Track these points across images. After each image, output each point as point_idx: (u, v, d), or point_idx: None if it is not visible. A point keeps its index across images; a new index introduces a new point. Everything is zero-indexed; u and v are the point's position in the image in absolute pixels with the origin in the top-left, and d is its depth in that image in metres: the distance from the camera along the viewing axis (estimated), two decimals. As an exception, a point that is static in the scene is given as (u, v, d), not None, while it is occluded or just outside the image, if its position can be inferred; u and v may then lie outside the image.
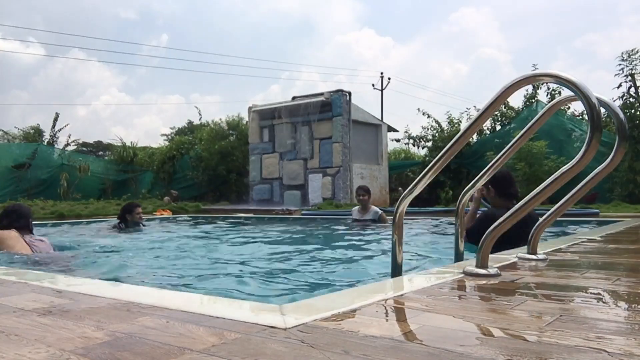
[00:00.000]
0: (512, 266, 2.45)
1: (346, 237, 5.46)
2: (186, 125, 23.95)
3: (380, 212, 6.84)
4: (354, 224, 6.72)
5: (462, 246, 2.91)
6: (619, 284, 2.10)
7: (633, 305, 1.65)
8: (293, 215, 10.90)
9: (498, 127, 14.64)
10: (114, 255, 4.21)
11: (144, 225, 6.74)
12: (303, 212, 11.36)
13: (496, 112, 13.69)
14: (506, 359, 1.09)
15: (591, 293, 1.89)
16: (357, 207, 6.81)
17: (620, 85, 11.47)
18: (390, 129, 15.96)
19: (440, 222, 7.58)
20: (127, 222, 6.54)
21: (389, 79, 30.28)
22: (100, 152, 27.55)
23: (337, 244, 4.93)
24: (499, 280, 2.05)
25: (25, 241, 3.95)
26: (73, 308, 1.61)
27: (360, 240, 5.08)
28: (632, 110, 11.37)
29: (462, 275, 2.13)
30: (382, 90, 29.93)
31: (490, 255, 2.17)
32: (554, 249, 3.10)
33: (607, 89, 11.85)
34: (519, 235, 2.92)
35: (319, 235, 6.28)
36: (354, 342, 1.21)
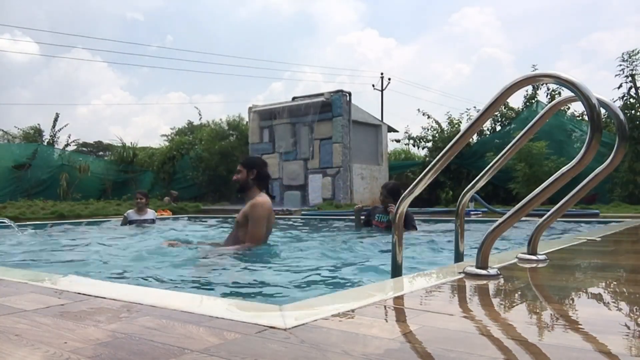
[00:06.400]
0: (512, 267, 2.45)
1: (346, 238, 5.46)
2: (186, 126, 23.93)
3: (156, 213, 8.23)
4: (132, 224, 7.54)
5: (462, 246, 2.91)
6: (619, 284, 2.10)
7: (633, 306, 1.65)
8: (293, 215, 10.90)
9: (498, 128, 14.64)
10: (112, 254, 4.21)
11: None
12: (303, 212, 11.36)
13: (496, 113, 13.68)
14: (506, 359, 1.09)
15: (591, 293, 1.89)
16: (132, 210, 7.89)
17: (620, 86, 11.48)
18: (391, 129, 15.96)
19: (440, 222, 7.58)
20: None
21: (389, 79, 30.38)
22: (100, 153, 27.54)
23: (336, 244, 4.93)
24: (499, 281, 2.05)
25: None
26: (73, 308, 1.61)
27: (359, 240, 5.08)
28: (633, 111, 11.37)
29: (462, 275, 2.13)
30: (382, 90, 30.00)
31: (490, 256, 2.17)
32: (554, 249, 3.10)
33: (610, 89, 11.85)
34: None
35: (318, 236, 6.29)
36: (354, 342, 1.21)
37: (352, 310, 1.52)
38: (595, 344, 1.20)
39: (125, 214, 7.79)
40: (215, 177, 16.53)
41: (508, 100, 10.26)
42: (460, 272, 2.17)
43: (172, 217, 10.76)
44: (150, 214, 7.71)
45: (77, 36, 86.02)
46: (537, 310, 1.57)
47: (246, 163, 4.02)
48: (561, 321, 1.42)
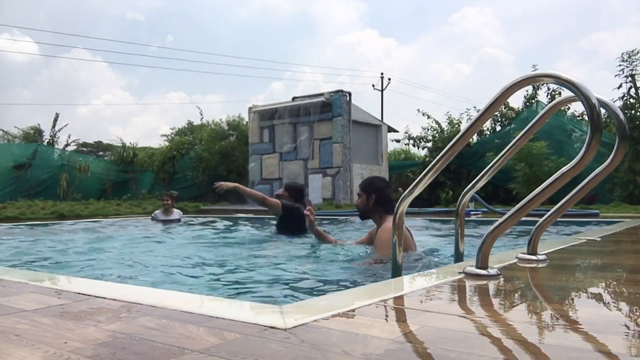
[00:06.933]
0: (512, 267, 2.45)
1: (345, 238, 5.46)
2: (186, 126, 23.95)
3: (181, 212, 8.35)
4: (158, 224, 7.64)
5: (462, 246, 2.91)
6: (619, 284, 2.10)
7: (633, 306, 1.65)
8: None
9: (498, 128, 14.64)
10: (108, 254, 4.21)
11: None
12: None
13: (496, 113, 13.68)
14: (506, 359, 1.09)
15: (591, 293, 1.89)
16: (159, 210, 8.06)
17: (620, 86, 11.47)
18: (390, 129, 15.97)
19: (440, 222, 7.58)
20: None
21: (389, 79, 30.42)
22: (101, 153, 27.54)
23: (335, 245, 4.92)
24: (499, 281, 2.05)
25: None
26: (73, 308, 1.61)
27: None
28: (633, 111, 11.36)
29: (462, 275, 2.13)
30: (382, 90, 30.03)
31: (490, 256, 2.17)
32: (554, 249, 3.10)
33: (610, 89, 11.84)
34: None
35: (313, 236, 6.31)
36: (354, 342, 1.21)
37: (352, 310, 1.52)
38: (595, 344, 1.20)
39: (152, 215, 8.01)
40: (215, 177, 16.48)
41: (508, 100, 10.26)
42: (460, 272, 2.17)
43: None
44: (176, 214, 7.92)
45: (77, 36, 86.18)
46: (537, 310, 1.57)
47: (364, 186, 3.48)
48: (561, 321, 1.42)
